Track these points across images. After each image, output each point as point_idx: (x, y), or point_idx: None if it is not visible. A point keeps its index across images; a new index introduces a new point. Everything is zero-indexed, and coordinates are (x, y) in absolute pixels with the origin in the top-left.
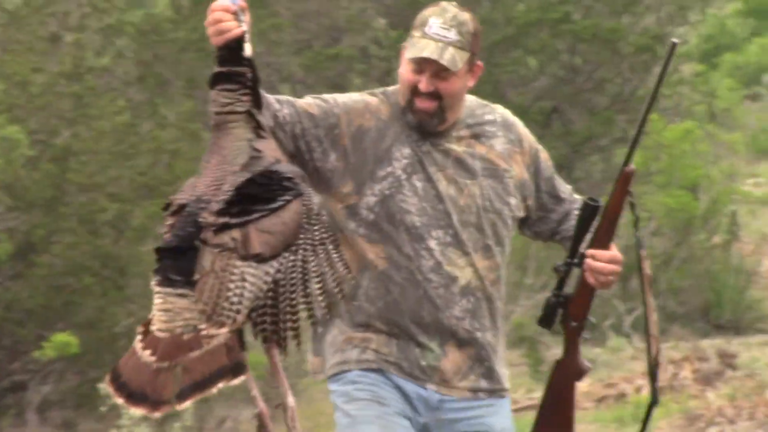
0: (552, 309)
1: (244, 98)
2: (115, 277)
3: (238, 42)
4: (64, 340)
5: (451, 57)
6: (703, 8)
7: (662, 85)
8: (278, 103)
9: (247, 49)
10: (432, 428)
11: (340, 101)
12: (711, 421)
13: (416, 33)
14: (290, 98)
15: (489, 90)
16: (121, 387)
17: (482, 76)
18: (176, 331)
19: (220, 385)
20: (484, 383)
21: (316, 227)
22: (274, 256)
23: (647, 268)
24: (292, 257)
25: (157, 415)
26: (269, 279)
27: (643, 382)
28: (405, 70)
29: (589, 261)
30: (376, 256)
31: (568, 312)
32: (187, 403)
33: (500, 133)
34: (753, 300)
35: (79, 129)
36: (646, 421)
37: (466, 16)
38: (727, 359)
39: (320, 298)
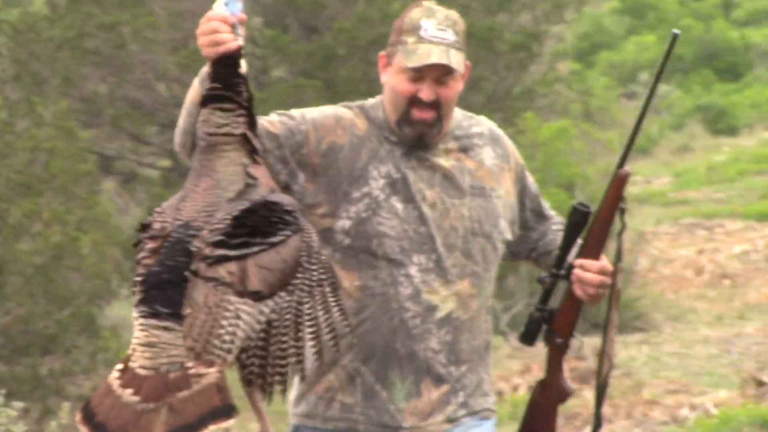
0: (536, 324)
1: (240, 119)
2: None
3: (234, 57)
4: None
5: (456, 59)
6: (579, 7)
7: (661, 80)
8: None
9: (243, 66)
10: None
11: (308, 117)
12: (588, 420)
13: (409, 38)
14: (260, 119)
15: (364, 88)
16: (97, 427)
17: (363, 76)
18: (161, 368)
19: (212, 427)
20: (462, 411)
21: (314, 267)
22: (271, 295)
23: (619, 282)
24: (287, 297)
25: None
26: (263, 319)
27: (520, 381)
28: (399, 80)
29: (577, 272)
30: (351, 284)
31: (553, 327)
32: None
33: (488, 147)
34: (630, 299)
35: None
36: None
37: (454, 13)
38: None
39: (311, 344)
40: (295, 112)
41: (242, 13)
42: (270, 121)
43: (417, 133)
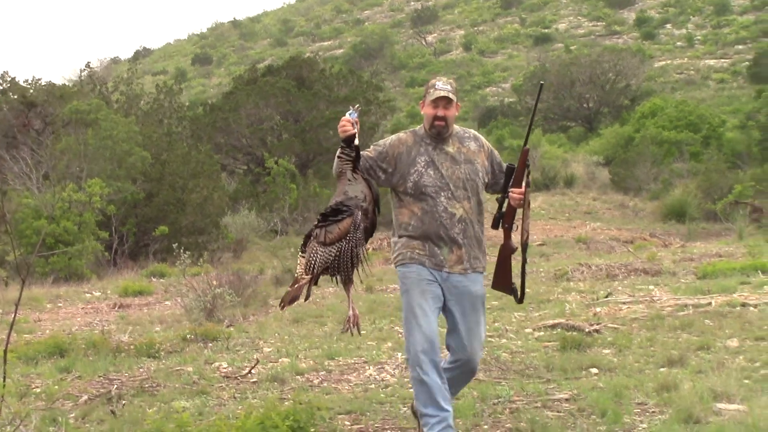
0: (497, 219)
1: (348, 165)
2: (181, 207)
3: (351, 137)
4: (162, 228)
5: (452, 95)
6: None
7: (537, 110)
8: (363, 159)
9: (356, 141)
10: (444, 289)
11: (387, 143)
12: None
13: (430, 90)
14: (363, 152)
15: (326, 157)
16: (281, 298)
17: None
18: (297, 273)
19: (297, 302)
20: (468, 266)
21: (358, 231)
22: (332, 243)
23: (529, 196)
24: (346, 244)
25: (282, 308)
26: (333, 253)
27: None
28: (428, 109)
29: (510, 194)
30: (417, 208)
31: (504, 220)
32: (285, 306)
33: (473, 142)
34: None
35: (169, 154)
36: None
37: (451, 80)
38: None
39: (358, 262)
40: (380, 142)
41: (357, 118)
42: (369, 150)
43: (437, 131)
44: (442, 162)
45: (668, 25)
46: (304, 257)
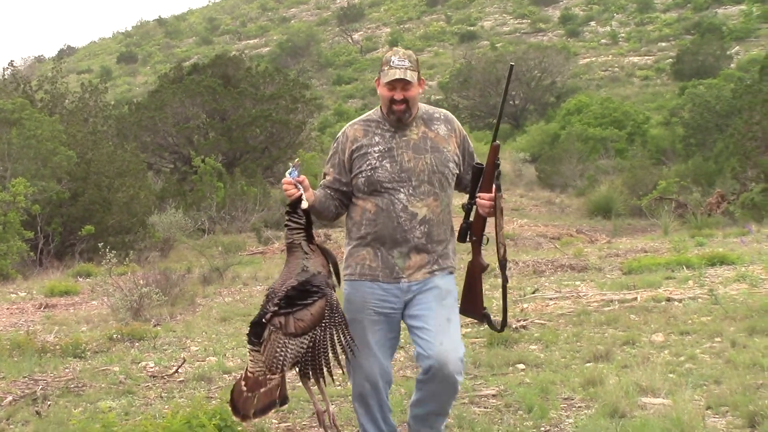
0: (464, 231)
1: (299, 235)
2: (107, 206)
3: (297, 201)
4: (88, 228)
5: (410, 75)
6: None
7: (507, 94)
8: (331, 190)
9: (304, 204)
10: (407, 301)
11: (338, 149)
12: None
13: (385, 67)
14: (326, 183)
15: (253, 154)
16: (231, 404)
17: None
18: (256, 373)
19: (273, 409)
20: (437, 267)
21: (336, 315)
22: (305, 333)
23: (501, 202)
24: (321, 332)
25: (245, 423)
26: (305, 345)
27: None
28: (383, 90)
29: (478, 200)
30: (371, 205)
31: (472, 231)
32: (258, 419)
33: (443, 125)
34: None
35: (94, 153)
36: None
37: (410, 52)
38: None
39: (339, 354)
40: (330, 153)
41: (299, 177)
42: (328, 172)
43: (397, 117)
44: (401, 151)
45: (592, 23)
46: (257, 351)
